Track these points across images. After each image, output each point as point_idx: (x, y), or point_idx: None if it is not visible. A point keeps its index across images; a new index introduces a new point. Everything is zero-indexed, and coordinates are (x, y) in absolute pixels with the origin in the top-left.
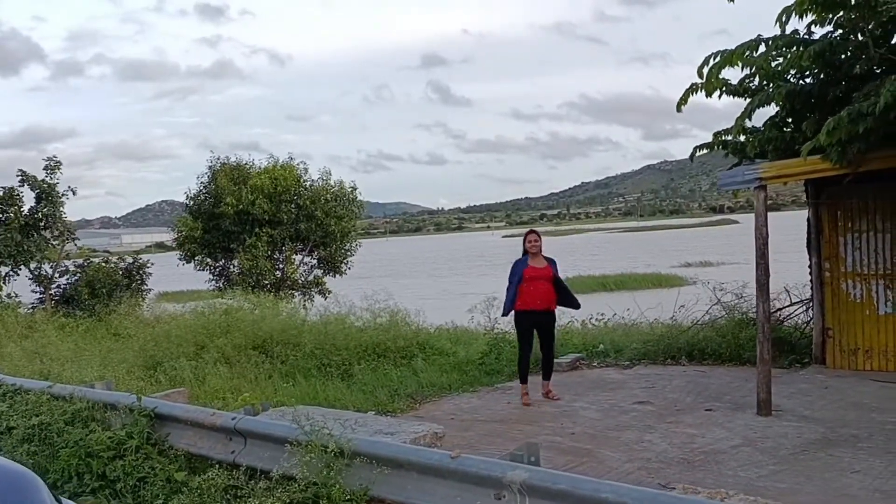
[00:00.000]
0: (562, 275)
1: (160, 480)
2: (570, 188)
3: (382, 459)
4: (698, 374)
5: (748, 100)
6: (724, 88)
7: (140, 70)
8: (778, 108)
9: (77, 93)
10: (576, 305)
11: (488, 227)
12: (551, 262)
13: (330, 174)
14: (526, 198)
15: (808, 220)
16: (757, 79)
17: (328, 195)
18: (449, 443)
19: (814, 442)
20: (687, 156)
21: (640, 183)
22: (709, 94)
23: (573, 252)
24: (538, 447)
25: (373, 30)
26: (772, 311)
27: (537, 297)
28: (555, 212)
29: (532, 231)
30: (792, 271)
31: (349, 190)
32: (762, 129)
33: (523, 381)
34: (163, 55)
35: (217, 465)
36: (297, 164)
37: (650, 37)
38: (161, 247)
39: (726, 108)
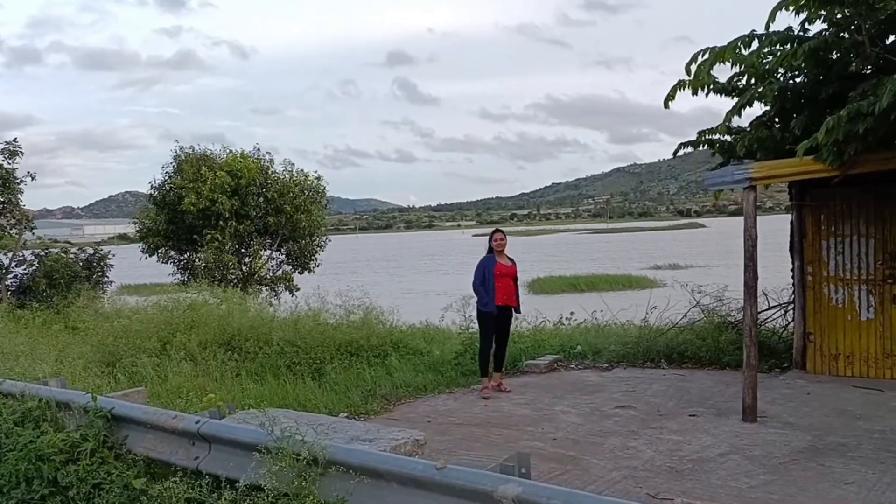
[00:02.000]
0: (534, 274)
1: (117, 488)
2: (540, 189)
3: (360, 469)
4: (678, 377)
5: (735, 99)
6: (711, 86)
7: (100, 59)
8: (766, 108)
9: (35, 81)
10: (518, 309)
11: (459, 225)
12: (514, 262)
13: (293, 165)
14: (497, 197)
15: (791, 223)
16: (745, 77)
17: (296, 188)
18: (426, 448)
19: (802, 450)
20: (655, 159)
21: (610, 185)
22: (696, 92)
23: (544, 252)
24: (529, 458)
25: (337, 25)
26: None
27: (505, 293)
28: (525, 212)
29: (498, 230)
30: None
31: (314, 181)
32: (748, 128)
33: (484, 374)
34: (123, 44)
35: (179, 473)
36: (263, 156)
37: (613, 41)
38: (124, 238)
39: (692, 113)
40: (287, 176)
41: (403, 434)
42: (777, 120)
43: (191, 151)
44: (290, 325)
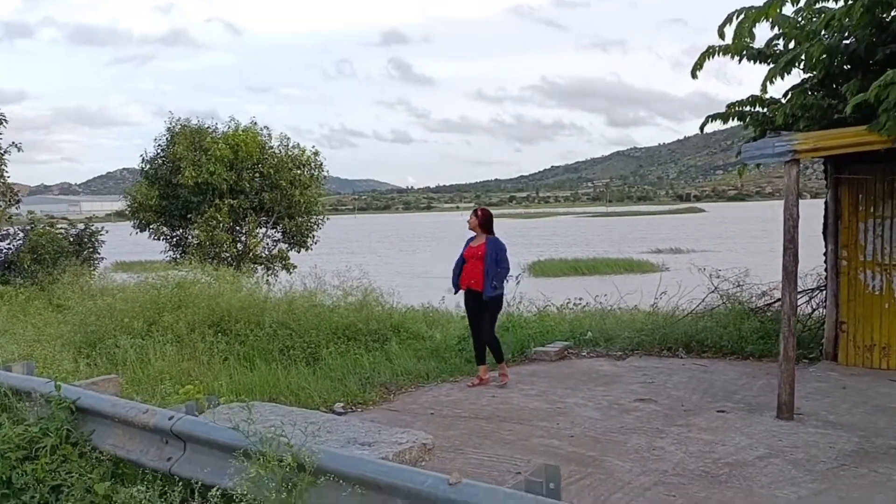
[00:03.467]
0: (534, 258)
1: (79, 490)
2: (539, 171)
3: (357, 480)
4: (699, 368)
5: (771, 65)
6: (744, 52)
7: (91, 35)
8: (806, 75)
9: (27, 56)
10: (484, 294)
11: (457, 207)
12: (490, 242)
13: (289, 139)
14: (496, 179)
15: (826, 203)
16: (783, 41)
17: (291, 163)
18: (433, 453)
19: (850, 454)
20: (655, 143)
21: (609, 169)
22: (735, 55)
23: (543, 235)
24: (559, 472)
25: (330, 3)
26: (770, 301)
27: (471, 276)
28: (524, 194)
29: (473, 210)
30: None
31: (311, 156)
32: (781, 99)
33: (479, 361)
34: (115, 21)
35: (150, 475)
36: (261, 130)
37: (608, 23)
38: (121, 215)
39: (689, 98)
40: (283, 151)
41: (408, 436)
42: (821, 86)
43: (186, 123)
44: (283, 306)
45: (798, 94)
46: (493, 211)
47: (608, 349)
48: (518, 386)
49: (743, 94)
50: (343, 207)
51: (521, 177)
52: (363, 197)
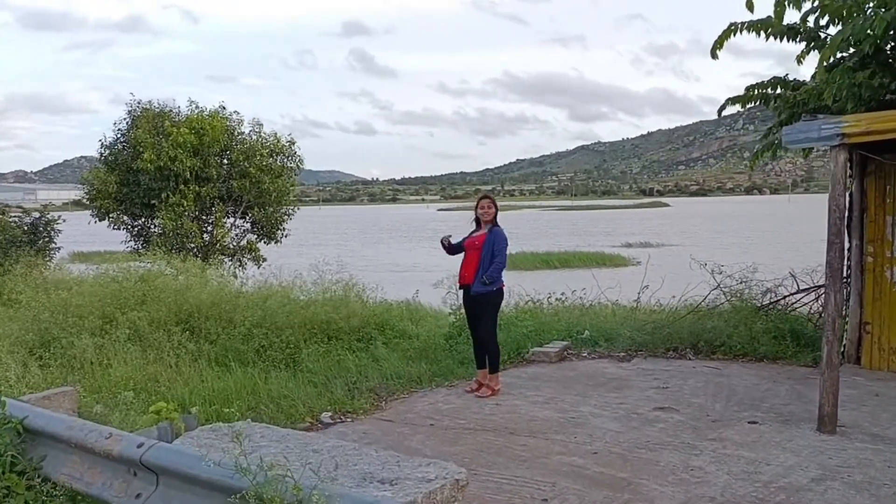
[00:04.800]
0: (511, 250)
1: None
2: (504, 165)
3: None
4: (713, 371)
5: (800, 43)
6: (769, 30)
7: (45, 20)
8: (848, 53)
9: None
10: (473, 288)
11: (423, 199)
12: (493, 233)
13: (261, 125)
14: (461, 172)
15: (851, 195)
16: (812, 19)
17: (263, 150)
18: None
19: None
20: (619, 138)
21: (574, 163)
22: (763, 31)
23: (510, 228)
24: None
25: None
26: (776, 298)
27: (464, 270)
28: (489, 187)
29: (485, 196)
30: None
31: (286, 144)
32: (809, 80)
33: (478, 365)
34: (69, 5)
35: None
36: (230, 115)
37: (568, 18)
38: (79, 204)
39: (649, 94)
40: (255, 137)
41: (436, 470)
42: (864, 65)
43: (147, 106)
44: (257, 302)
45: (842, 72)
46: (459, 204)
47: (610, 349)
48: (522, 392)
49: (702, 91)
50: (307, 199)
51: (487, 170)
52: (328, 188)
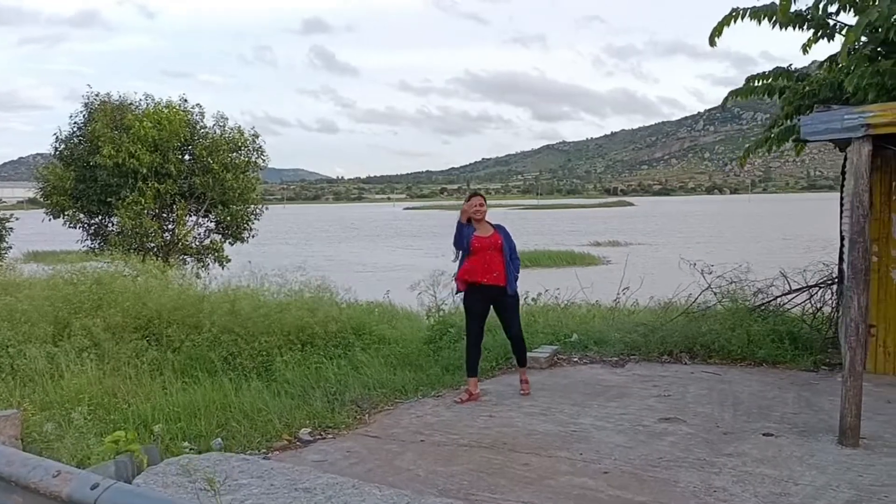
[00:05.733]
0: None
1: None
2: (470, 164)
3: None
4: (713, 377)
5: (810, 31)
6: (774, 17)
7: None
8: (860, 42)
9: None
10: (507, 290)
11: (389, 198)
12: (504, 232)
13: (226, 119)
14: (427, 171)
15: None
16: (822, 5)
17: (227, 145)
18: (429, 483)
19: None
20: (583, 138)
21: (539, 162)
22: (768, 19)
23: None
24: None
25: None
26: (768, 299)
27: (491, 269)
28: (455, 186)
29: (476, 194)
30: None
31: (250, 138)
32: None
33: (471, 373)
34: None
35: None
36: (192, 109)
37: (528, 18)
38: (35, 202)
39: (610, 94)
40: (219, 132)
41: None
42: (882, 54)
43: (106, 99)
44: (225, 305)
45: (859, 59)
46: (425, 203)
47: (601, 354)
48: (515, 402)
49: (661, 92)
50: (271, 197)
51: (452, 169)
52: (292, 186)
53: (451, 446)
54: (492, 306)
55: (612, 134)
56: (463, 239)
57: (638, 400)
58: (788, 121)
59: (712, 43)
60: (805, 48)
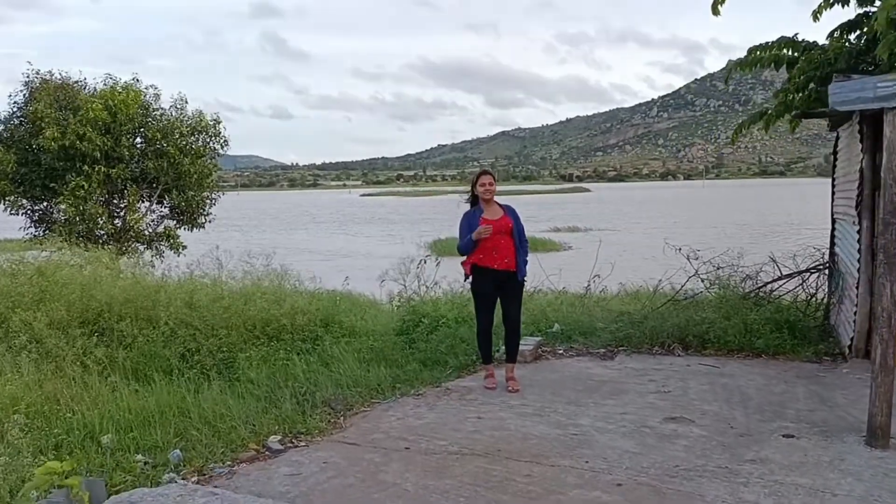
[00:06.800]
0: (432, 237)
1: None
2: (426, 150)
3: None
4: (712, 370)
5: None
6: None
7: None
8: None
9: None
10: (518, 275)
11: (345, 185)
12: (514, 214)
13: (186, 102)
14: (382, 158)
15: (861, 171)
16: None
17: (184, 128)
18: (420, 501)
19: None
20: (539, 124)
21: (494, 148)
22: None
23: (435, 212)
24: None
25: None
26: (759, 286)
27: (503, 254)
28: (412, 173)
29: (485, 172)
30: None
31: (211, 123)
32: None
33: (486, 360)
34: None
35: None
36: (146, 90)
37: (480, 4)
38: None
39: (562, 81)
40: (175, 114)
41: None
42: None
43: (48, 77)
44: (182, 297)
45: (887, 24)
46: (381, 189)
47: (588, 346)
48: (504, 400)
49: (613, 79)
50: (225, 184)
51: (408, 155)
52: (246, 173)
53: (441, 455)
54: None
55: (567, 120)
56: (471, 243)
57: (636, 397)
58: (799, 93)
59: (715, 12)
60: (816, 15)
